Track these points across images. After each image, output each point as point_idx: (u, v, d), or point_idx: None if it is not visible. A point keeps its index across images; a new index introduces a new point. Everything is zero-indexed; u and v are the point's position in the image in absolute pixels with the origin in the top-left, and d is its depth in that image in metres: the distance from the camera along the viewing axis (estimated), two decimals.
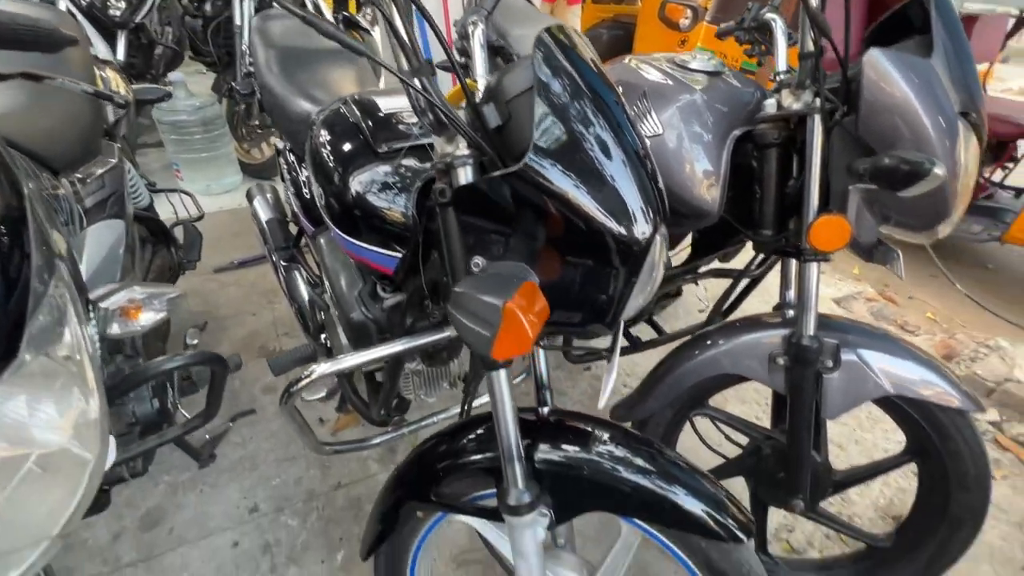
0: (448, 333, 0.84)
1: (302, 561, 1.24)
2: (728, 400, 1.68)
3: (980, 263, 2.91)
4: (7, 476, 0.39)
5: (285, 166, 1.29)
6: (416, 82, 0.52)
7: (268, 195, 1.59)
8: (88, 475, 0.42)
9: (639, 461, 0.70)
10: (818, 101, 0.83)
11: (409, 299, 0.86)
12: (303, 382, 0.80)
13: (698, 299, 2.27)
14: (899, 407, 0.97)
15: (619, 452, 0.71)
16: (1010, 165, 2.93)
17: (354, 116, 0.84)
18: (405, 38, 0.53)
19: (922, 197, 0.73)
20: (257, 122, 2.72)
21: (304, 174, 1.16)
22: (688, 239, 1.27)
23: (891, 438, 1.61)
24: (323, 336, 1.24)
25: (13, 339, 0.38)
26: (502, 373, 0.62)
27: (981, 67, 3.24)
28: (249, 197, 1.61)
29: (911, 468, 1.06)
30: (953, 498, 0.97)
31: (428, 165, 0.76)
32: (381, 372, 1.22)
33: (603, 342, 0.65)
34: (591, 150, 0.51)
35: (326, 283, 1.02)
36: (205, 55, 3.15)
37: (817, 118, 0.83)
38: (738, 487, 1.04)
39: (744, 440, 1.15)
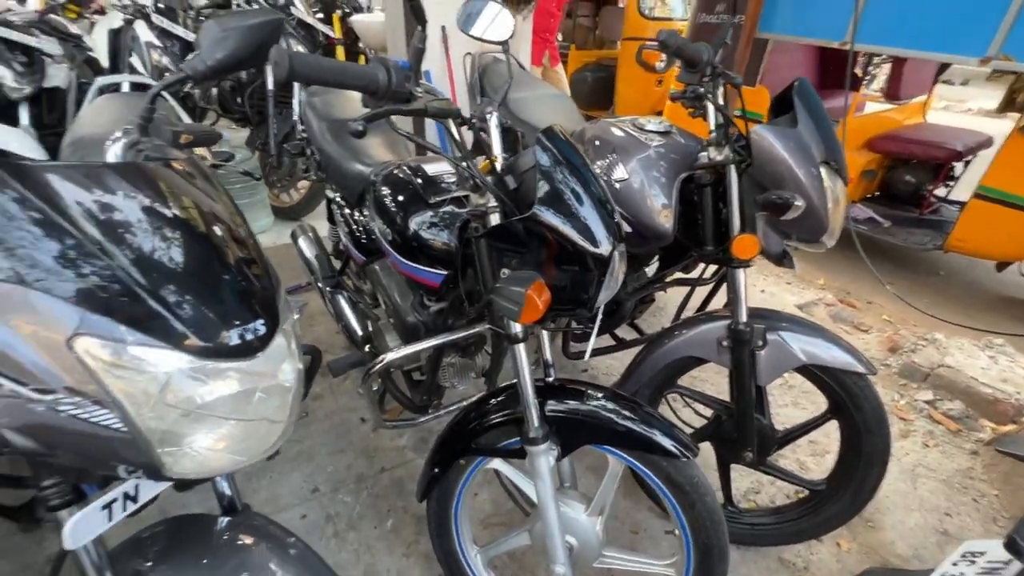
0: (479, 329, 1.17)
1: (359, 527, 1.52)
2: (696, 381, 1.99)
3: (933, 271, 3.26)
4: (248, 399, 0.68)
5: (337, 211, 1.63)
6: (466, 165, 0.86)
7: (309, 234, 1.93)
8: (291, 399, 0.71)
9: (621, 409, 1.01)
10: (732, 155, 1.18)
11: (450, 305, 1.18)
12: (378, 365, 1.12)
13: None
14: (818, 376, 1.29)
15: (607, 404, 1.02)
16: (951, 183, 3.32)
17: (407, 176, 1.19)
18: (457, 138, 0.87)
19: (798, 219, 1.07)
20: (286, 173, 3.11)
21: (356, 217, 1.50)
22: (656, 257, 1.61)
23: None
24: (367, 345, 1.57)
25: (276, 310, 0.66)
26: (522, 347, 0.95)
27: (918, 99, 3.67)
28: (293, 237, 1.95)
29: (833, 425, 1.37)
30: (864, 441, 1.28)
31: (464, 211, 1.10)
32: (418, 371, 1.54)
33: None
34: (571, 200, 0.84)
35: (381, 298, 1.35)
36: (234, 113, 3.56)
37: (732, 167, 1.18)
38: (706, 452, 1.34)
39: (708, 413, 1.46)
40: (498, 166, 0.93)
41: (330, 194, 1.72)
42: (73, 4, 3.58)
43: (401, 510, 1.58)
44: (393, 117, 0.83)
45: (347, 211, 1.57)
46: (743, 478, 1.70)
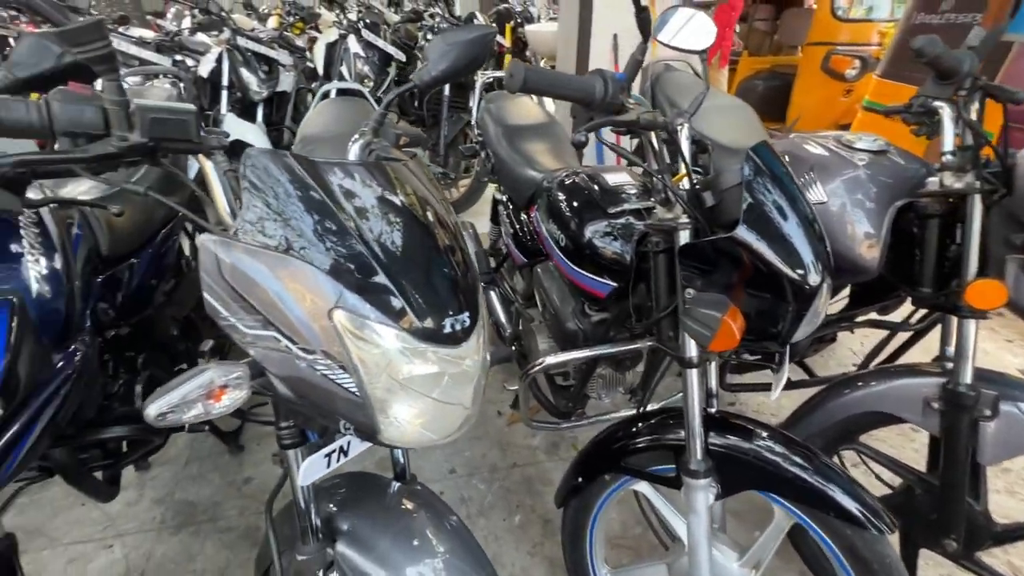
0: (640, 345, 1.14)
1: (489, 516, 1.58)
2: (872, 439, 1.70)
3: None
4: (439, 382, 0.71)
5: (503, 212, 1.72)
6: (661, 177, 0.83)
7: (469, 230, 2.05)
8: (476, 388, 0.75)
9: (796, 457, 0.90)
10: (979, 183, 0.98)
11: (613, 317, 1.17)
12: (537, 367, 1.15)
13: (852, 352, 2.26)
14: None
15: (778, 448, 0.92)
16: None
17: (585, 184, 1.20)
18: (655, 156, 0.85)
19: None
20: (450, 172, 3.37)
21: (523, 219, 1.56)
22: (846, 290, 1.41)
23: None
24: (515, 343, 1.62)
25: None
26: (695, 372, 0.89)
27: None
28: None
29: None
30: None
31: (644, 223, 1.08)
32: (562, 376, 1.55)
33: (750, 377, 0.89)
34: (779, 223, 0.77)
35: (539, 300, 1.38)
36: (411, 115, 3.95)
37: (977, 197, 0.98)
38: None
39: (891, 478, 1.24)
40: (688, 182, 0.89)
41: (498, 195, 1.81)
42: (301, 22, 4.29)
43: (529, 508, 1.60)
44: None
45: (514, 213, 1.64)
46: (930, 568, 1.41)
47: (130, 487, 1.70)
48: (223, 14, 3.30)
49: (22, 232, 0.92)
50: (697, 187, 0.85)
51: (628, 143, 2.38)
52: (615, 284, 1.11)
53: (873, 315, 1.34)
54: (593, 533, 1.17)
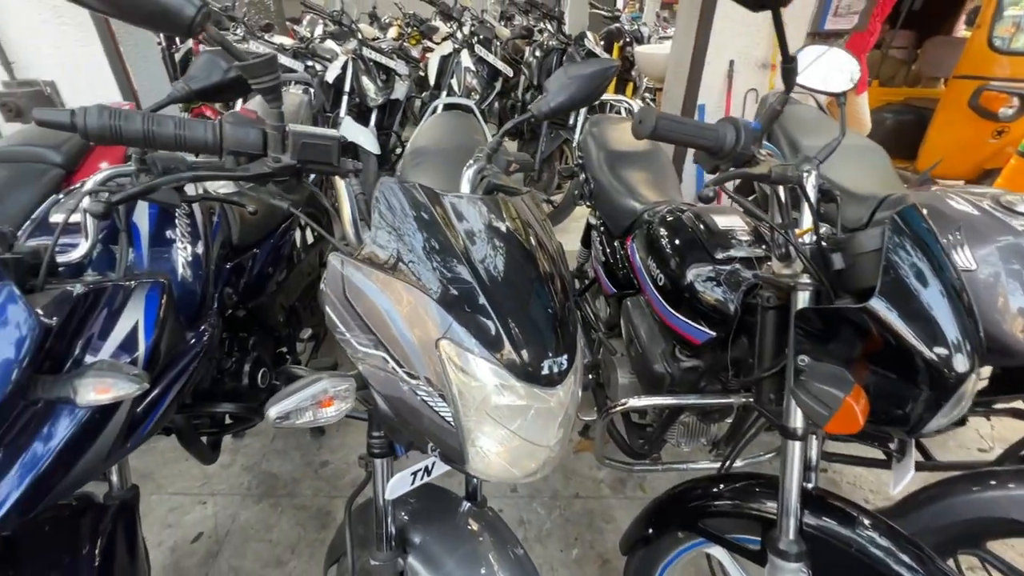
0: (732, 400, 1.06)
1: (546, 543, 1.56)
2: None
3: None
4: (524, 417, 0.71)
5: (597, 238, 1.69)
6: (786, 234, 0.77)
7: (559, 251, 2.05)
8: (561, 429, 0.74)
9: (904, 556, 0.80)
10: None
11: (707, 366, 1.11)
12: (619, 407, 1.11)
13: (978, 434, 1.97)
14: None
15: (883, 541, 0.81)
16: None
17: (691, 223, 1.15)
18: (779, 207, 0.79)
19: None
20: (542, 188, 3.40)
21: (617, 248, 1.52)
22: (987, 369, 1.23)
23: None
24: (593, 371, 1.58)
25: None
26: (798, 444, 0.82)
27: None
28: None
29: None
30: None
31: (753, 273, 1.01)
32: (639, 415, 1.49)
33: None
34: (925, 301, 0.68)
35: (625, 335, 1.34)
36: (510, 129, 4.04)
37: None
38: None
39: None
40: (815, 239, 0.81)
41: (593, 220, 1.79)
42: (419, 34, 4.55)
43: (588, 543, 1.56)
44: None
45: (608, 240, 1.61)
46: None
47: (225, 452, 1.88)
48: (352, 26, 3.58)
49: (176, 222, 1.04)
50: (825, 246, 0.78)
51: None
52: (713, 333, 1.04)
53: (1019, 403, 1.16)
54: None
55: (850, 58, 1.05)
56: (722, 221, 1.12)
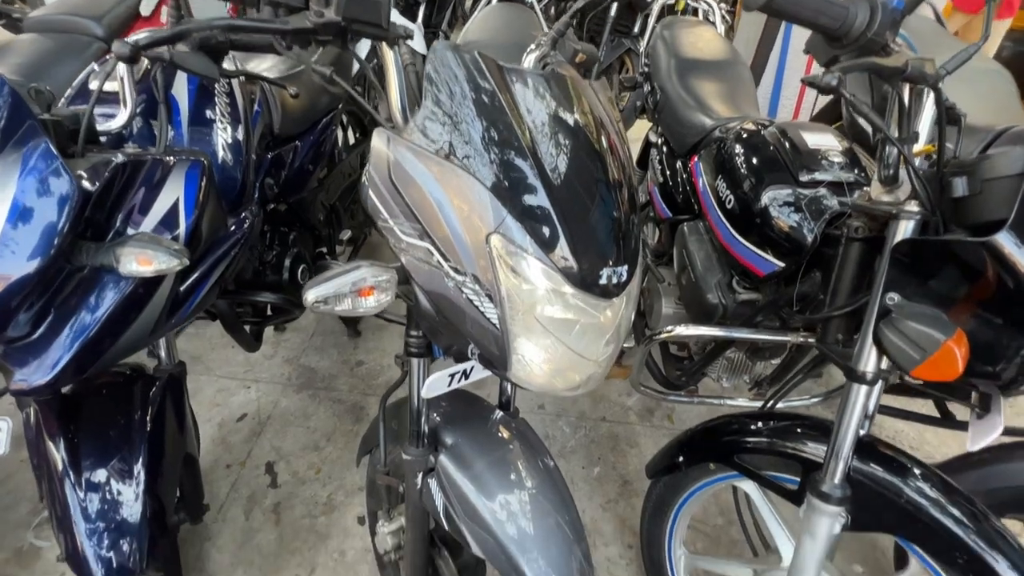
0: (789, 338, 0.99)
1: (569, 459, 1.59)
2: None
3: None
4: (573, 322, 0.64)
5: (656, 157, 1.56)
6: (902, 149, 0.65)
7: None
8: (611, 345, 0.68)
9: (955, 510, 0.75)
10: None
11: (766, 301, 1.02)
12: (665, 334, 1.06)
13: None
14: None
15: (934, 493, 0.77)
16: None
17: (775, 140, 1.01)
18: (900, 119, 0.67)
19: None
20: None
21: (679, 169, 1.39)
22: None
23: None
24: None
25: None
26: (864, 389, 0.75)
27: None
28: None
29: None
30: None
31: (839, 201, 0.89)
32: (678, 346, 1.44)
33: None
34: None
35: (678, 262, 1.26)
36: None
37: None
38: None
39: None
40: (937, 160, 0.69)
41: (653, 137, 1.64)
42: None
43: (610, 465, 1.59)
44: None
45: (668, 160, 1.48)
46: None
47: (268, 343, 1.96)
48: None
49: (216, 100, 0.99)
50: (946, 169, 0.66)
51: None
52: (780, 264, 0.95)
53: None
54: (679, 513, 1.12)
55: None
56: (811, 139, 0.98)
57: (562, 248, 0.54)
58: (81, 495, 0.83)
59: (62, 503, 0.83)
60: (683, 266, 1.22)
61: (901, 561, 1.04)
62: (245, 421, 1.67)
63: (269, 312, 1.39)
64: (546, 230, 0.54)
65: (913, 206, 0.68)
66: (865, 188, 0.79)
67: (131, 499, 0.84)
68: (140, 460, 0.87)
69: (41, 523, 1.30)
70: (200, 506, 1.11)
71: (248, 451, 1.58)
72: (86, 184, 0.66)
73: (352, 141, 2.07)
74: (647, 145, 1.70)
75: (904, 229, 0.68)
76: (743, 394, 1.32)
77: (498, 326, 0.56)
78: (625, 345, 1.47)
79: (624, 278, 0.58)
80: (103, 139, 0.86)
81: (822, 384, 1.81)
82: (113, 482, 0.85)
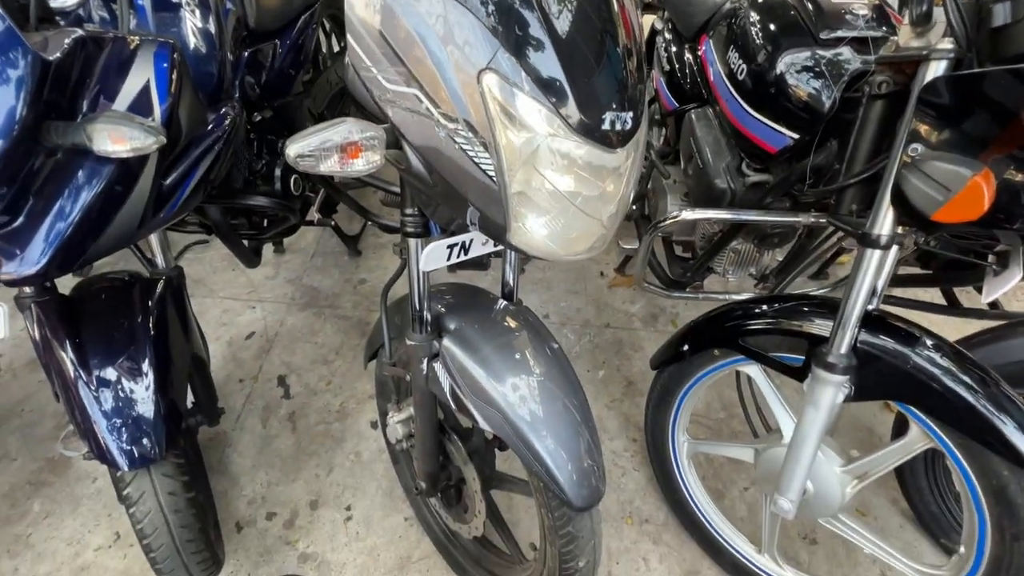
0: (800, 219, 0.96)
1: (575, 364, 1.59)
2: None
3: None
4: (579, 186, 0.58)
5: (662, 46, 1.45)
6: None
7: None
8: (617, 204, 0.64)
9: (964, 376, 0.75)
10: None
11: (777, 182, 0.98)
12: (671, 220, 1.02)
13: None
14: None
15: (943, 361, 0.76)
16: None
17: (796, 2, 0.92)
18: None
19: None
20: None
21: (686, 55, 1.30)
22: None
23: None
24: (639, 201, 1.47)
25: None
26: (877, 254, 0.72)
27: None
28: None
29: None
30: None
31: (861, 60, 0.82)
32: (681, 245, 1.41)
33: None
34: None
35: (684, 153, 1.20)
36: None
37: None
38: None
39: None
40: None
41: (659, 24, 1.52)
42: None
43: (615, 368, 1.61)
44: None
45: (675, 45, 1.37)
46: None
47: (268, 265, 1.95)
48: None
49: None
50: None
51: None
52: (794, 137, 0.90)
53: None
54: (683, 402, 1.14)
55: None
56: None
57: (561, 88, 0.49)
58: (95, 392, 0.84)
59: (78, 403, 0.85)
60: (689, 155, 1.16)
61: (900, 430, 1.07)
62: (253, 339, 1.69)
63: (265, 224, 1.36)
64: (544, 67, 0.49)
65: (947, 43, 0.62)
66: (892, 38, 0.72)
67: (143, 393, 0.85)
68: (147, 359, 0.87)
69: (68, 436, 1.36)
70: (215, 408, 1.14)
71: (259, 366, 1.61)
72: (44, 55, 0.61)
73: (336, 49, 1.94)
74: (652, 34, 1.58)
75: (935, 69, 0.63)
76: (748, 290, 1.31)
77: (495, 179, 0.52)
78: (629, 247, 1.45)
79: (629, 125, 0.54)
80: (60, 21, 0.80)
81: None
82: (124, 380, 0.86)
